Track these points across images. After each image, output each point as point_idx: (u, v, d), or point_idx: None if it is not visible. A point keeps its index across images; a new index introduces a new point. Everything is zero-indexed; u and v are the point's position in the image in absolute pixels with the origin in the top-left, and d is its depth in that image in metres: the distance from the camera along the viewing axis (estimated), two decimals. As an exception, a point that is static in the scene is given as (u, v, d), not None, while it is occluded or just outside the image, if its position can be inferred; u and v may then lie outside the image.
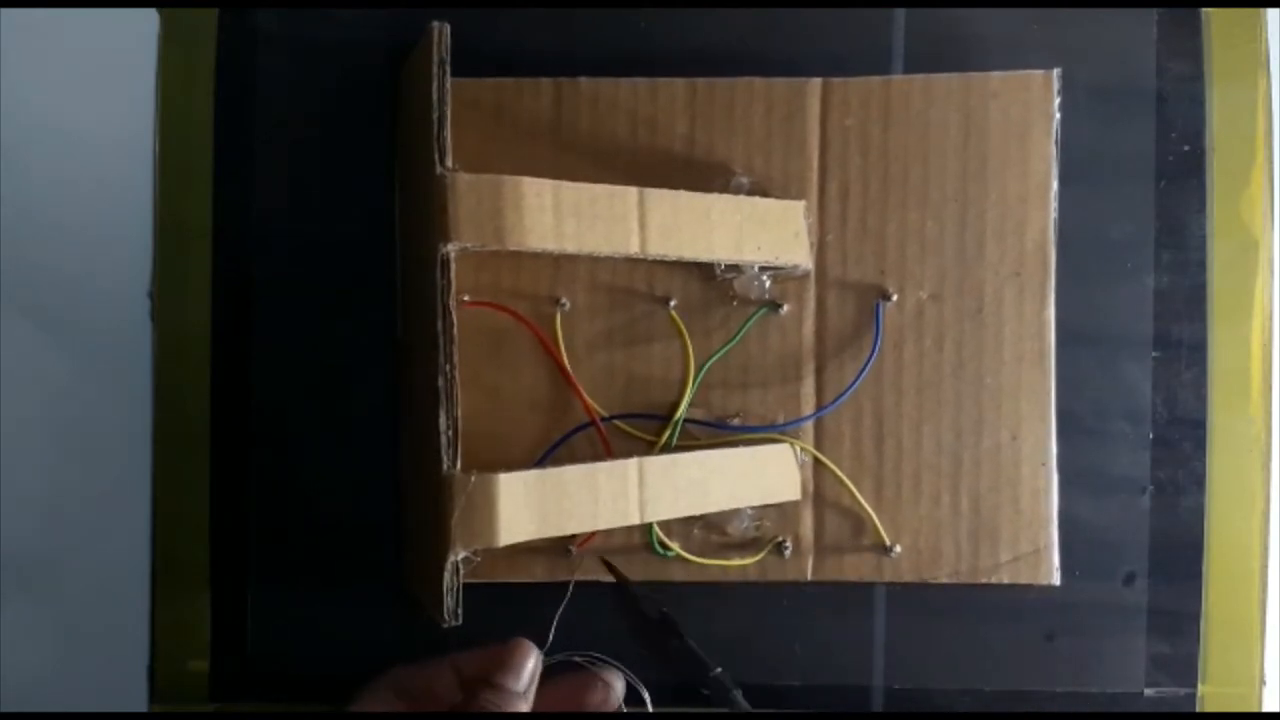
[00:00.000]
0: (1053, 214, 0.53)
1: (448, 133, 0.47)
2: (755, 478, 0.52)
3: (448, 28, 0.47)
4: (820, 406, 0.53)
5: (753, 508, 0.52)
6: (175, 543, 0.53)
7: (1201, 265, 0.54)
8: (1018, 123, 0.53)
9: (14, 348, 0.54)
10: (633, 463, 0.49)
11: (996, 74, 0.53)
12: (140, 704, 0.53)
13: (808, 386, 0.53)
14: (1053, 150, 0.53)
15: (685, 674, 0.52)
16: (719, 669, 0.51)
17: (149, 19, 0.53)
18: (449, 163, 0.47)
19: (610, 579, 0.53)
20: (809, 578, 0.53)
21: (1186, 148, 0.54)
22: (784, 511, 0.53)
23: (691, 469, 0.50)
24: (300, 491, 0.53)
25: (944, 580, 0.53)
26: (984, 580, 0.53)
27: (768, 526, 0.53)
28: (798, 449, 0.53)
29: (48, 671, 0.55)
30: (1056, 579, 0.52)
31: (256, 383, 0.53)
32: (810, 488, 0.53)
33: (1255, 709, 0.53)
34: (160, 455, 0.53)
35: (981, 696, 0.54)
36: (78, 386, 0.54)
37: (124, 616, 0.54)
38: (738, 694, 0.51)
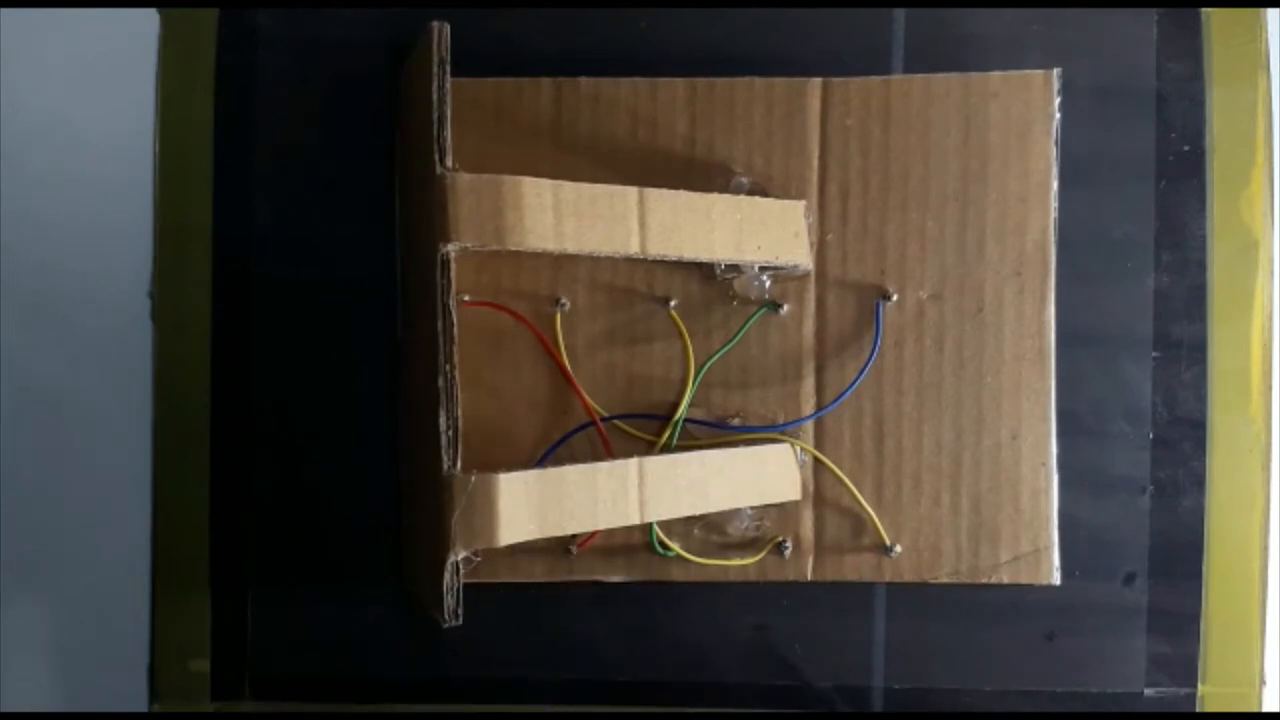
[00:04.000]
0: (1053, 213, 0.53)
1: (448, 132, 0.47)
2: (755, 478, 0.52)
3: (447, 27, 0.47)
4: (820, 406, 0.53)
5: (753, 508, 0.52)
6: (175, 543, 0.53)
7: (1201, 265, 0.54)
8: (1018, 122, 0.53)
9: (14, 347, 0.54)
10: (633, 462, 0.49)
11: (996, 74, 0.53)
12: (140, 704, 0.53)
13: (808, 386, 0.53)
14: (1053, 150, 0.53)
15: None
16: None
17: (149, 19, 0.53)
18: (449, 162, 0.47)
19: (611, 579, 0.53)
20: (809, 577, 0.53)
21: (1186, 148, 0.54)
22: (784, 511, 0.53)
23: (692, 469, 0.50)
24: (300, 491, 0.53)
25: (944, 580, 0.53)
26: (984, 580, 0.53)
27: (768, 526, 0.53)
28: (798, 449, 0.53)
29: (48, 671, 0.55)
30: (1056, 579, 0.52)
31: (257, 383, 0.53)
32: (810, 488, 0.53)
33: (1255, 709, 0.54)
34: (160, 455, 0.53)
35: (981, 696, 0.54)
36: (78, 386, 0.54)
37: (124, 616, 0.54)
38: None
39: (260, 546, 0.53)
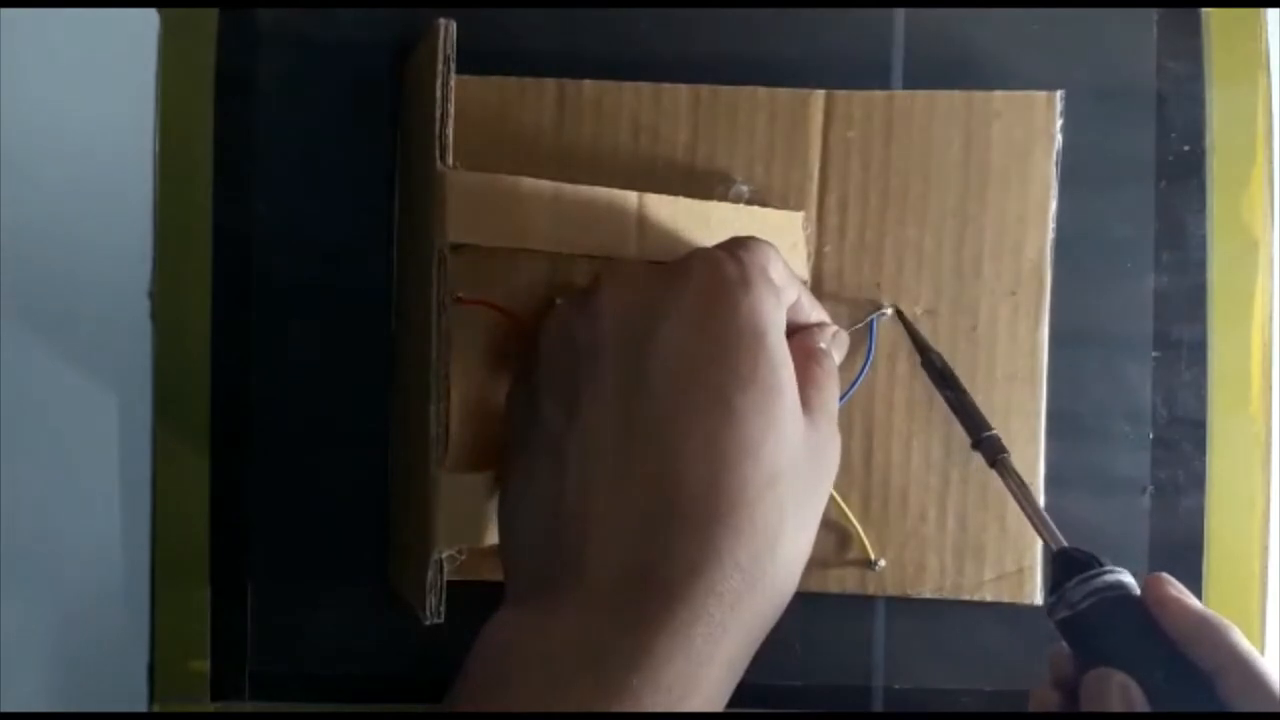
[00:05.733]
0: (1050, 235, 0.53)
1: (449, 130, 0.46)
2: None
3: (454, 25, 0.47)
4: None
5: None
6: (175, 542, 0.53)
7: (1201, 265, 0.54)
8: (1019, 143, 0.53)
9: (13, 348, 0.54)
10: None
11: (999, 93, 0.53)
12: (140, 704, 0.53)
13: (800, 397, 0.53)
14: (1053, 171, 0.53)
15: (962, 425, 0.51)
16: (994, 431, 0.50)
17: (149, 19, 0.53)
18: (449, 160, 0.47)
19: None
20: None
21: (1186, 148, 0.54)
22: None
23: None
24: (301, 491, 0.53)
25: (928, 596, 0.53)
26: (967, 597, 0.53)
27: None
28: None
29: (47, 671, 0.55)
30: (1039, 599, 0.52)
31: (256, 383, 0.53)
32: (797, 499, 0.53)
33: (1255, 709, 0.54)
34: (160, 455, 0.53)
35: (981, 696, 0.54)
36: (78, 387, 0.54)
37: (124, 616, 0.54)
38: (1007, 457, 0.49)
39: (261, 546, 0.53)
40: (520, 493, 0.45)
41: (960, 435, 0.52)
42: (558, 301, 0.48)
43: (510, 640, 0.40)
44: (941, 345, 0.53)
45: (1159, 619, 0.43)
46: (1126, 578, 0.45)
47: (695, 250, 0.45)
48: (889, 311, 0.53)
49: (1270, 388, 0.54)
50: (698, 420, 0.40)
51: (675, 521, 0.39)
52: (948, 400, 0.51)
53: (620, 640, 0.38)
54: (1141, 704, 0.42)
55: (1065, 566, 0.45)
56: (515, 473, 0.45)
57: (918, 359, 0.52)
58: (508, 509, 0.45)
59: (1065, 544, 0.46)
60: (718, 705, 0.40)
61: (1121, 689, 0.42)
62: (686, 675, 0.38)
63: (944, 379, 0.51)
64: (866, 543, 0.52)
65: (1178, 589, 0.44)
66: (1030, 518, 0.48)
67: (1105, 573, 0.44)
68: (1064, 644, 0.45)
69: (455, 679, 0.40)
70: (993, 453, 0.49)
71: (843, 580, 0.53)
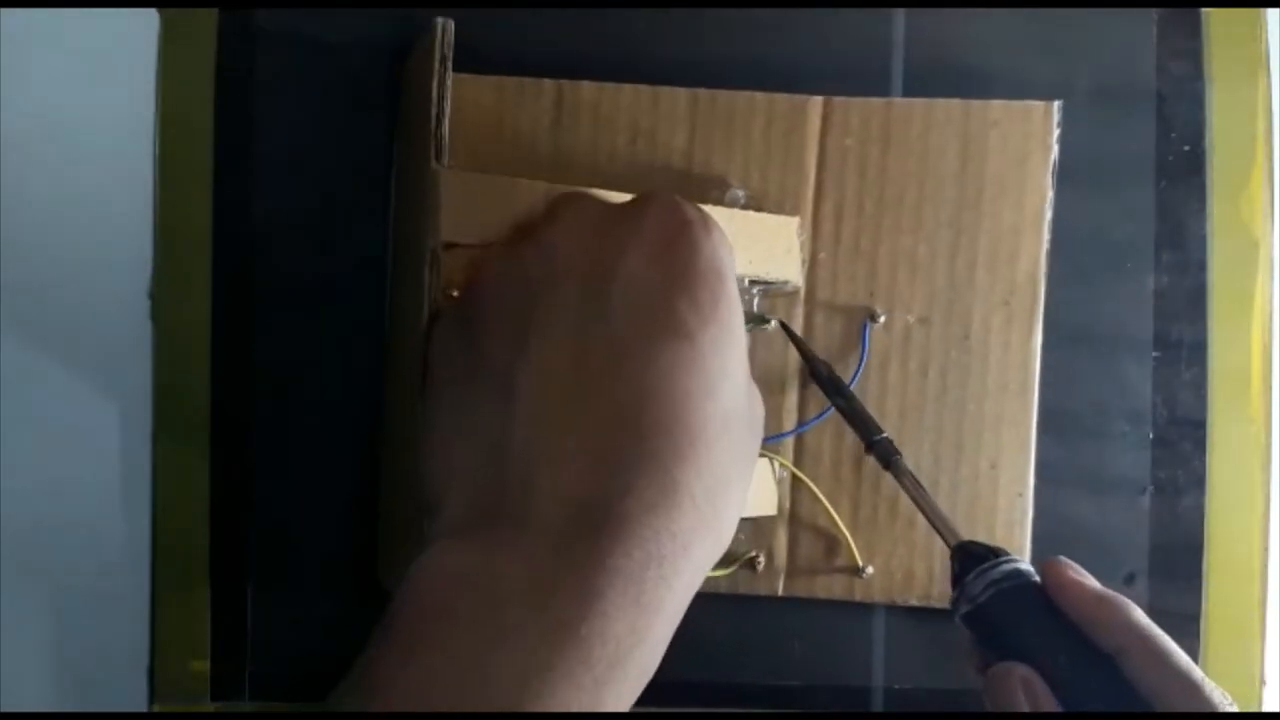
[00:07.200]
0: (1045, 245, 0.53)
1: (445, 129, 0.46)
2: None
3: (451, 24, 0.47)
4: (802, 423, 0.53)
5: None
6: (175, 542, 0.53)
7: (1201, 265, 0.54)
8: (1016, 152, 0.53)
9: (13, 348, 0.54)
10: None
11: (997, 102, 0.53)
12: (140, 704, 0.53)
13: (790, 402, 0.53)
14: (1049, 181, 0.53)
15: (855, 431, 0.51)
16: (885, 434, 0.50)
17: (149, 19, 0.53)
18: (445, 160, 0.47)
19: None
20: (780, 594, 0.53)
21: (1186, 148, 0.54)
22: (758, 526, 0.52)
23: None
24: (301, 491, 0.53)
25: (914, 603, 0.53)
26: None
27: (741, 540, 0.52)
28: (776, 464, 0.52)
29: (47, 671, 0.55)
30: (1024, 610, 0.52)
31: (256, 383, 0.53)
32: (786, 504, 0.53)
33: (1255, 709, 0.53)
34: (160, 455, 0.53)
35: (982, 696, 0.54)
36: (78, 387, 0.54)
37: (124, 616, 0.54)
38: (900, 459, 0.50)
39: (261, 546, 0.53)
40: (455, 425, 0.42)
41: (951, 443, 0.52)
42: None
43: (452, 577, 0.37)
44: (934, 353, 0.53)
45: (1059, 603, 0.44)
46: (1025, 566, 0.45)
47: (652, 191, 0.43)
48: (883, 318, 0.53)
49: (1270, 388, 0.54)
50: (659, 351, 0.39)
51: (634, 455, 0.38)
52: (839, 408, 0.51)
53: (571, 584, 0.36)
54: (1045, 695, 0.42)
55: (964, 561, 0.46)
56: (447, 405, 0.43)
57: (911, 368, 0.53)
58: (438, 442, 0.43)
59: (962, 539, 0.47)
60: (656, 660, 0.38)
61: (1025, 683, 0.42)
62: (636, 627, 0.36)
63: (834, 387, 0.51)
64: (855, 549, 0.52)
65: (1077, 571, 0.44)
66: (926, 514, 0.48)
67: (1003, 563, 0.45)
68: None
69: (386, 614, 0.38)
70: (886, 455, 0.50)
71: (830, 587, 0.53)
